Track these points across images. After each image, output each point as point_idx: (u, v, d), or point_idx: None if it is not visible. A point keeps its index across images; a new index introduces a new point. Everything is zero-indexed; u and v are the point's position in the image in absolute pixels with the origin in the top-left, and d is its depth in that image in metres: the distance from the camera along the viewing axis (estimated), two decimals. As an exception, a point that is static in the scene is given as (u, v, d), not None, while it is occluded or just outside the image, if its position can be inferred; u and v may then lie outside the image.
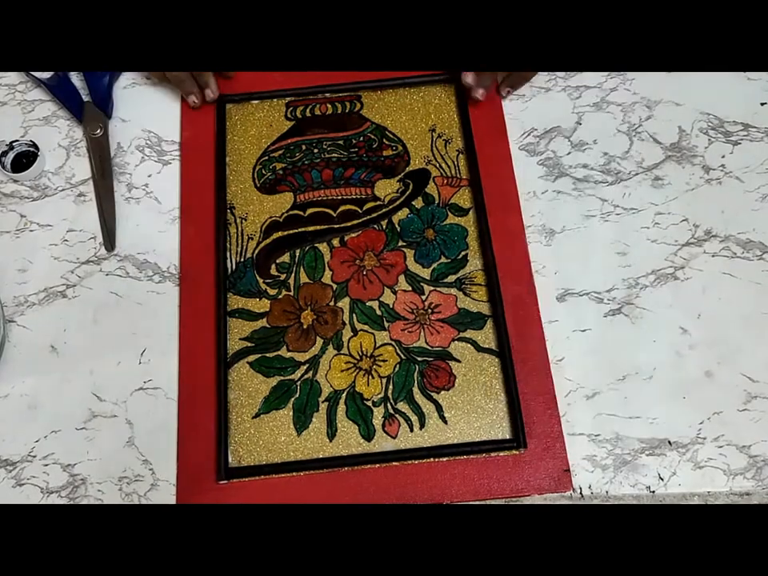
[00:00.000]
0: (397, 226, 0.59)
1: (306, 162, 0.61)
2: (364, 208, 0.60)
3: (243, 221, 0.59)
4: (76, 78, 0.65)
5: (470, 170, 0.60)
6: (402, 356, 0.55)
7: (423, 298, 0.57)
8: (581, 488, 0.51)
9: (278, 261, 0.58)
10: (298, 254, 0.58)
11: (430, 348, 0.55)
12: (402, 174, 0.61)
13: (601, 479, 0.51)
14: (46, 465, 0.53)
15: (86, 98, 0.64)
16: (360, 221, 0.59)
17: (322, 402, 0.54)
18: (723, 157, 0.61)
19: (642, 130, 0.62)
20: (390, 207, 0.60)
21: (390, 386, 0.54)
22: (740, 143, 0.61)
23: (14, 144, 0.62)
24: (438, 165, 0.61)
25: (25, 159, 0.62)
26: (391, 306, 0.56)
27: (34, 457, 0.53)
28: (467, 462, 0.52)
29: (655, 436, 0.52)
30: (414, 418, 0.53)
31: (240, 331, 0.56)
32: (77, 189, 0.61)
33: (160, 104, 0.65)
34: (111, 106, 0.64)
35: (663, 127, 0.62)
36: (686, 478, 0.51)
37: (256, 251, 0.58)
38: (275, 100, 0.64)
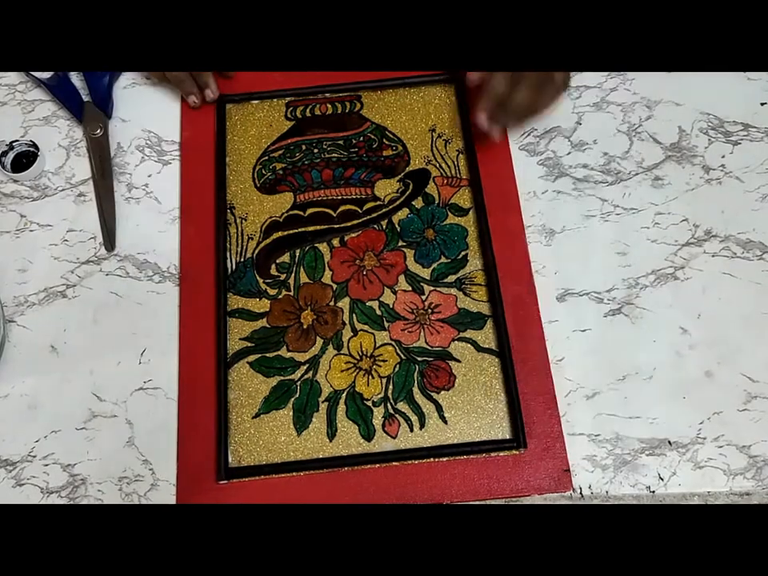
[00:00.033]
0: (397, 225, 0.59)
1: (306, 162, 0.61)
2: (364, 208, 0.60)
3: (243, 221, 0.59)
4: (76, 78, 0.65)
5: (470, 170, 0.60)
6: (402, 356, 0.55)
7: (423, 297, 0.57)
8: (581, 488, 0.51)
9: (278, 261, 0.58)
10: (297, 254, 0.58)
11: (429, 348, 0.55)
12: (402, 174, 0.61)
13: (601, 479, 0.51)
14: (46, 465, 0.53)
15: (85, 98, 0.64)
16: (360, 221, 0.59)
17: (322, 402, 0.54)
18: (723, 157, 0.61)
19: (642, 130, 0.62)
20: (390, 207, 0.60)
21: (390, 386, 0.54)
22: (740, 143, 0.61)
23: (14, 144, 0.62)
24: (437, 165, 0.61)
25: (25, 159, 0.62)
26: (391, 306, 0.56)
27: (34, 457, 0.53)
28: (467, 461, 0.52)
29: (655, 436, 0.52)
30: (413, 418, 0.53)
31: (240, 331, 0.56)
32: (77, 189, 0.61)
33: (160, 104, 0.65)
34: (111, 106, 0.64)
35: (663, 127, 0.62)
36: (686, 477, 0.51)
37: (256, 251, 0.58)
38: (275, 100, 0.64)
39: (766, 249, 0.57)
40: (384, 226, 0.59)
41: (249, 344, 0.55)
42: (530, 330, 0.55)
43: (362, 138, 0.62)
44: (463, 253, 0.58)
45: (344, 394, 0.54)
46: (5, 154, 0.62)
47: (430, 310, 0.56)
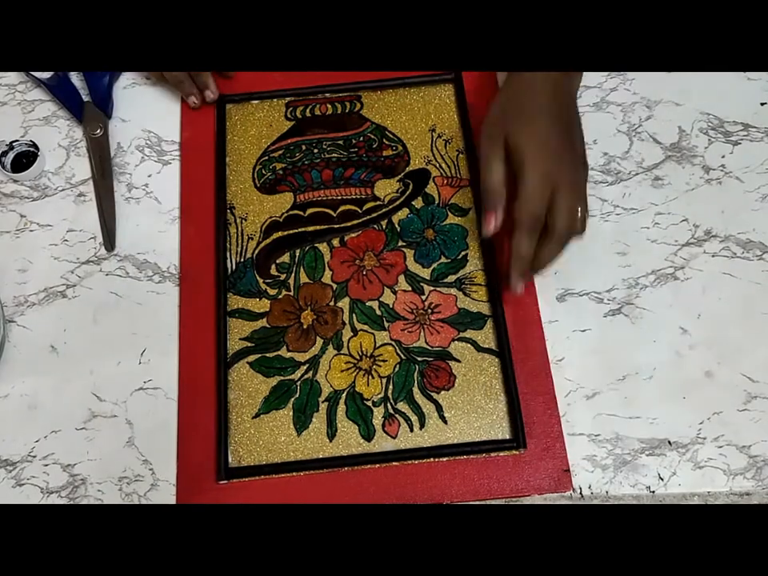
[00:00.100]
0: (397, 226, 0.59)
1: (305, 162, 0.61)
2: (364, 208, 0.60)
3: (243, 221, 0.59)
4: (76, 78, 0.65)
5: (470, 170, 0.60)
6: (402, 356, 0.55)
7: (423, 298, 0.57)
8: (581, 488, 0.51)
9: (278, 261, 0.58)
10: (297, 254, 0.58)
11: (429, 348, 0.55)
12: (402, 174, 0.61)
13: (601, 479, 0.51)
14: (46, 465, 0.53)
15: (85, 98, 0.64)
16: (360, 221, 0.59)
17: (322, 402, 0.54)
18: (723, 157, 0.61)
19: (642, 130, 0.62)
20: (390, 207, 0.60)
21: (390, 386, 0.54)
22: (740, 143, 0.61)
23: (14, 144, 0.62)
24: (437, 165, 0.61)
25: (25, 159, 0.62)
26: (391, 306, 0.56)
27: (34, 457, 0.53)
28: (467, 461, 0.52)
29: (655, 436, 0.52)
30: (414, 418, 0.53)
31: (240, 331, 0.56)
32: (77, 189, 0.62)
33: (160, 104, 0.65)
34: (111, 106, 0.64)
35: (663, 127, 0.62)
36: (686, 477, 0.51)
37: (256, 251, 0.58)
38: (275, 100, 0.64)
39: (766, 249, 0.57)
40: (384, 226, 0.59)
41: (249, 344, 0.56)
42: (530, 330, 0.55)
43: (361, 138, 0.62)
44: (463, 253, 0.58)
45: (344, 394, 0.54)
46: (5, 153, 0.62)
47: (429, 310, 0.56)
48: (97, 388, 0.55)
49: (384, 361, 0.55)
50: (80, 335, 0.56)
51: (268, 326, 0.56)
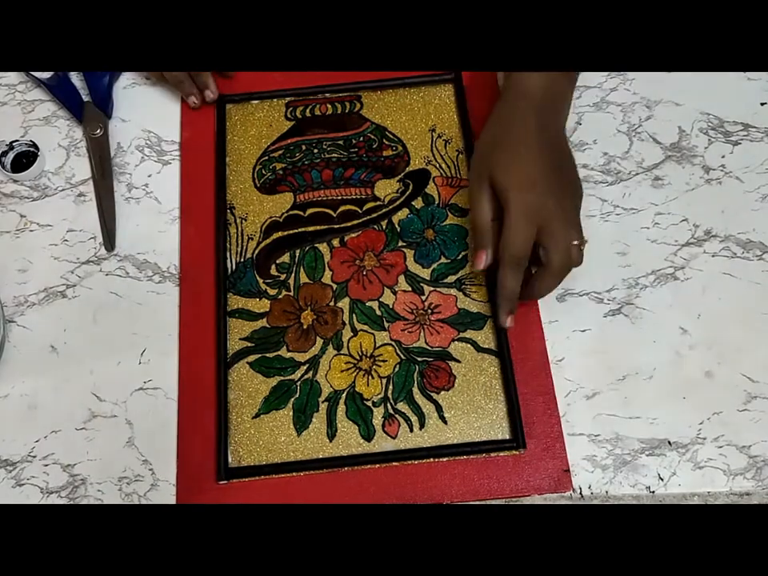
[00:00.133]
0: (397, 226, 0.59)
1: (305, 162, 0.61)
2: (364, 208, 0.60)
3: (243, 221, 0.59)
4: (76, 78, 0.65)
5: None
6: (402, 356, 0.55)
7: (423, 298, 0.57)
8: (581, 488, 0.51)
9: (277, 261, 0.58)
10: (297, 254, 0.58)
11: (429, 348, 0.55)
12: (402, 174, 0.61)
13: (601, 479, 0.51)
14: (46, 465, 0.53)
15: (85, 98, 0.64)
16: (360, 221, 0.59)
17: (322, 402, 0.54)
18: (723, 157, 0.61)
19: (642, 130, 0.62)
20: (390, 207, 0.60)
21: (390, 386, 0.54)
22: (740, 143, 0.61)
23: (14, 144, 0.62)
24: (437, 165, 0.61)
25: (25, 159, 0.62)
26: (391, 307, 0.56)
27: (34, 457, 0.53)
28: (467, 462, 0.52)
29: (655, 436, 0.52)
30: (413, 419, 0.53)
31: (240, 331, 0.56)
32: (77, 189, 0.62)
33: (160, 104, 0.65)
34: (111, 106, 0.64)
35: (663, 127, 0.62)
36: (686, 478, 0.51)
37: (256, 251, 0.58)
38: (275, 100, 0.64)
39: (766, 249, 0.57)
40: (384, 227, 0.59)
41: (249, 344, 0.56)
42: (530, 329, 0.55)
43: (361, 138, 0.62)
44: (463, 253, 0.58)
45: (344, 394, 0.54)
46: (5, 154, 0.62)
47: (429, 311, 0.56)
48: (97, 388, 0.55)
49: (384, 361, 0.55)
50: (80, 335, 0.56)
51: (268, 326, 0.56)
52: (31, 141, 0.62)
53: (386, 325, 0.56)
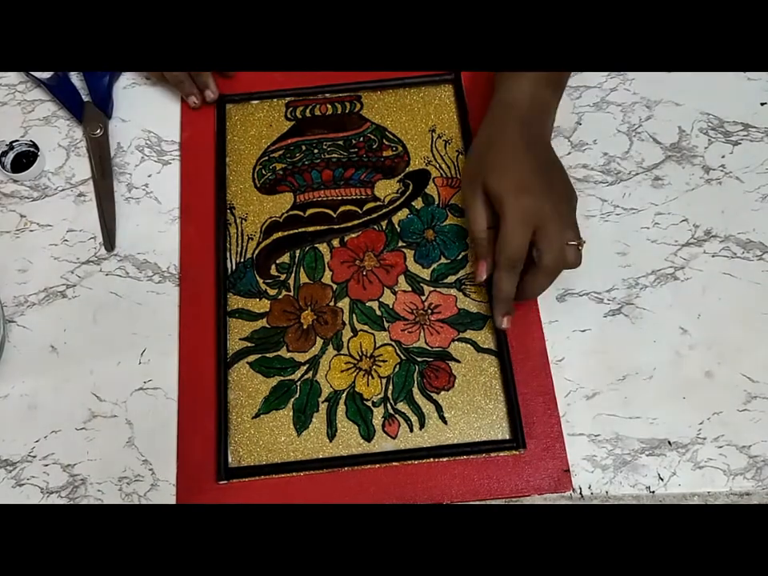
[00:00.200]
0: (397, 226, 0.59)
1: (306, 163, 0.61)
2: (364, 208, 0.60)
3: (243, 221, 0.59)
4: (76, 78, 0.65)
5: (469, 170, 0.60)
6: (402, 356, 0.55)
7: (423, 298, 0.57)
8: (581, 488, 0.51)
9: (277, 261, 0.58)
10: (297, 255, 0.58)
11: (429, 348, 0.55)
12: (402, 175, 0.61)
13: (601, 479, 0.51)
14: (46, 465, 0.53)
15: (85, 98, 0.64)
16: (360, 221, 0.59)
17: (322, 403, 0.54)
18: (723, 157, 0.61)
19: (642, 130, 0.62)
20: (390, 208, 0.60)
21: (390, 387, 0.54)
22: (740, 143, 0.61)
23: (14, 144, 0.62)
24: (437, 165, 0.61)
25: (25, 159, 0.62)
26: (391, 307, 0.56)
27: (34, 457, 0.53)
28: (467, 462, 0.52)
29: (655, 436, 0.52)
30: (413, 419, 0.53)
31: (240, 331, 0.56)
32: (77, 189, 0.62)
33: (160, 104, 0.65)
34: (111, 106, 0.64)
35: (663, 127, 0.62)
36: (686, 478, 0.51)
37: (256, 251, 0.58)
38: (275, 100, 0.64)
39: (766, 249, 0.57)
40: (384, 227, 0.59)
41: (249, 344, 0.56)
42: (530, 329, 0.55)
43: (361, 139, 0.62)
44: (463, 253, 0.58)
45: (344, 395, 0.54)
46: (5, 154, 0.62)
47: (429, 311, 0.56)
48: (97, 388, 0.55)
49: (384, 361, 0.55)
50: (80, 335, 0.56)
51: (268, 326, 0.56)
52: (31, 141, 0.62)
53: (386, 325, 0.56)
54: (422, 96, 0.64)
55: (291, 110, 0.64)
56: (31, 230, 0.60)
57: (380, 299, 0.57)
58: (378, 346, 0.55)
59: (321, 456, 0.52)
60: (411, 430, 0.53)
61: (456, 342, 0.55)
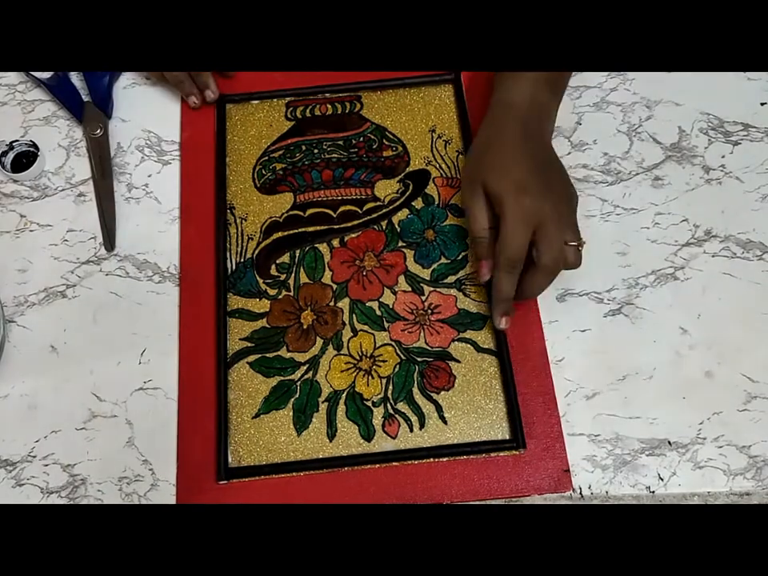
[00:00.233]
0: (397, 226, 0.59)
1: (306, 163, 0.61)
2: (364, 208, 0.60)
3: (243, 221, 0.59)
4: (76, 78, 0.65)
5: (469, 170, 0.60)
6: (402, 356, 0.55)
7: (423, 298, 0.57)
8: (581, 488, 0.51)
9: (277, 261, 0.58)
10: (297, 255, 0.58)
11: (429, 348, 0.55)
12: (402, 175, 0.61)
13: (601, 479, 0.51)
14: (46, 465, 0.53)
15: (85, 98, 0.64)
16: (360, 221, 0.59)
17: (322, 403, 0.54)
18: (723, 157, 0.61)
19: (642, 130, 0.62)
20: (390, 208, 0.60)
21: (390, 387, 0.54)
22: (740, 143, 0.61)
23: (14, 144, 0.62)
24: (437, 165, 0.61)
25: (25, 159, 0.62)
26: (391, 307, 0.56)
27: (34, 457, 0.53)
28: (467, 462, 0.52)
29: (655, 436, 0.52)
30: (413, 419, 0.53)
31: (240, 331, 0.56)
32: (77, 189, 0.62)
33: (160, 104, 0.65)
34: (111, 106, 0.64)
35: (663, 127, 0.62)
36: (686, 478, 0.51)
37: (256, 251, 0.58)
38: (275, 100, 0.64)
39: (766, 249, 0.57)
40: (384, 227, 0.59)
41: (249, 344, 0.56)
42: (530, 330, 0.55)
43: (361, 139, 0.62)
44: (463, 253, 0.58)
45: (344, 395, 0.54)
46: (5, 153, 0.62)
47: (429, 311, 0.56)
48: (97, 388, 0.55)
49: (384, 361, 0.55)
50: (80, 335, 0.56)
51: (268, 326, 0.56)
52: (31, 141, 0.62)
53: (386, 325, 0.56)
54: (421, 96, 0.64)
55: (291, 109, 0.64)
56: (31, 230, 0.60)
57: (380, 299, 0.57)
58: (377, 346, 0.55)
59: (321, 456, 0.52)
60: (411, 430, 0.53)
61: (456, 342, 0.55)
